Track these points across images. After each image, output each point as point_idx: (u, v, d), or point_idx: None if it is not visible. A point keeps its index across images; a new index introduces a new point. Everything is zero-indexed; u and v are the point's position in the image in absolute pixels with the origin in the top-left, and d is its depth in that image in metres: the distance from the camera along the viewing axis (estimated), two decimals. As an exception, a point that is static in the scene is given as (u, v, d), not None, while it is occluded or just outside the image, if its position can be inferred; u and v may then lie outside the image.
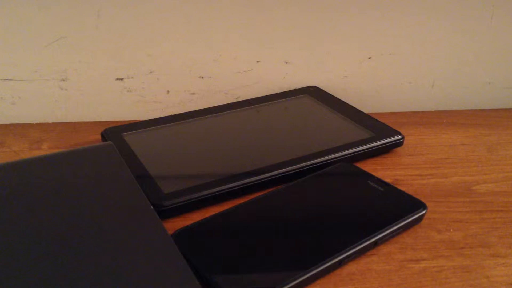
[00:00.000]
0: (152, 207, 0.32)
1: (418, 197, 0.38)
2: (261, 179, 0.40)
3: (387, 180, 0.41)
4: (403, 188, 0.39)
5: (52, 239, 0.29)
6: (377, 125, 0.48)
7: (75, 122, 0.51)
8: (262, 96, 0.53)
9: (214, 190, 0.38)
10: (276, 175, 0.40)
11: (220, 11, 0.50)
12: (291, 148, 0.44)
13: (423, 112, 0.57)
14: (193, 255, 0.31)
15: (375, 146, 0.45)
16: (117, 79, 0.51)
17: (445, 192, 0.41)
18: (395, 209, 0.36)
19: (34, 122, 0.51)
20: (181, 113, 0.49)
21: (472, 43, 0.55)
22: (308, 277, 0.30)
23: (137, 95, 0.52)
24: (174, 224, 0.36)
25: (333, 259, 0.31)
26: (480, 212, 0.39)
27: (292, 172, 0.41)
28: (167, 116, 0.48)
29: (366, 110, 0.52)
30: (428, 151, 0.48)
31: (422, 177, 0.43)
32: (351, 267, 0.33)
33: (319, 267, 0.31)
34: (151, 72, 0.51)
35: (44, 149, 0.46)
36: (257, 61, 0.53)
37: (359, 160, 0.45)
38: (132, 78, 0.51)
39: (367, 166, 0.44)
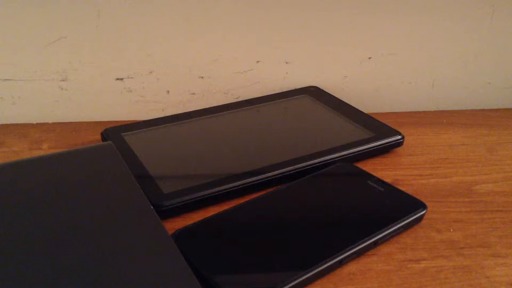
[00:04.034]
0: (152, 207, 0.32)
1: (418, 197, 0.38)
2: (261, 179, 0.40)
3: (387, 180, 0.41)
4: (403, 188, 0.39)
5: (52, 239, 0.29)
6: (377, 125, 0.48)
7: (75, 122, 0.51)
8: (262, 96, 0.53)
9: (214, 190, 0.38)
10: (276, 175, 0.40)
11: (220, 11, 0.50)
12: (291, 148, 0.44)
13: (423, 112, 0.57)
14: (193, 255, 0.31)
15: (375, 146, 0.45)
16: (117, 79, 0.51)
17: (445, 192, 0.41)
18: (395, 209, 0.36)
19: (34, 122, 0.51)
20: (181, 113, 0.49)
21: (472, 43, 0.55)
22: (308, 277, 0.30)
23: (137, 95, 0.52)
24: (174, 224, 0.36)
25: (333, 259, 0.31)
26: (480, 212, 0.39)
27: (292, 172, 0.41)
28: (167, 116, 0.48)
29: (366, 110, 0.52)
30: (428, 151, 0.48)
31: (422, 177, 0.43)
32: (351, 267, 0.33)
33: (319, 267, 0.31)
34: (151, 72, 0.51)
35: (44, 149, 0.46)
36: (257, 61, 0.53)
37: (359, 160, 0.45)
38: (132, 78, 0.51)
39: (367, 166, 0.44)
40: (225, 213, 0.36)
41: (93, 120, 0.51)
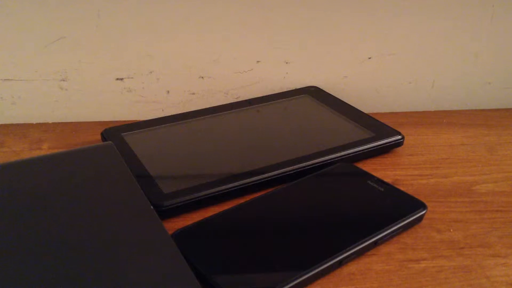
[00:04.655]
0: (152, 207, 0.32)
1: (418, 197, 0.38)
2: (261, 179, 0.40)
3: (387, 180, 0.41)
4: (403, 188, 0.39)
5: (52, 239, 0.29)
6: (377, 125, 0.48)
7: (75, 122, 0.51)
8: (262, 96, 0.53)
9: (214, 190, 0.38)
10: (276, 175, 0.40)
11: (220, 11, 0.50)
12: (291, 148, 0.43)
13: (423, 112, 0.57)
14: (193, 255, 0.31)
15: (375, 146, 0.45)
16: (117, 79, 0.51)
17: (445, 192, 0.41)
18: (395, 209, 0.36)
19: (34, 122, 0.51)
20: (181, 113, 0.49)
21: (472, 43, 0.55)
22: (308, 277, 0.30)
23: (137, 95, 0.52)
24: (174, 224, 0.36)
25: (333, 259, 0.31)
26: (480, 212, 0.39)
27: (292, 172, 0.41)
28: (167, 116, 0.48)
29: (366, 110, 0.52)
30: (428, 151, 0.48)
31: (422, 177, 0.43)
32: (351, 267, 0.33)
33: (319, 267, 0.31)
34: (151, 72, 0.51)
35: (44, 149, 0.46)
36: (257, 61, 0.53)
37: (359, 160, 0.44)
38: (132, 78, 0.51)
39: (367, 166, 0.44)
40: (225, 213, 0.36)
41: (93, 120, 0.51)
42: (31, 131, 0.49)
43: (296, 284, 0.30)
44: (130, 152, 0.42)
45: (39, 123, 0.50)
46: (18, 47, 0.48)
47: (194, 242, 0.33)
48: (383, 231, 0.34)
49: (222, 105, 0.51)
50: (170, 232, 0.31)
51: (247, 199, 0.37)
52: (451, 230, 0.37)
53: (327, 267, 0.31)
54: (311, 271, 0.31)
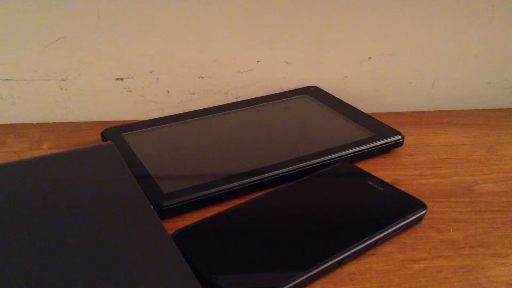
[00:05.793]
0: (152, 207, 0.32)
1: (418, 197, 0.38)
2: (261, 179, 0.40)
3: (387, 180, 0.41)
4: (403, 188, 0.39)
5: (52, 239, 0.29)
6: (377, 125, 0.48)
7: (75, 122, 0.51)
8: (262, 96, 0.53)
9: (214, 190, 0.38)
10: (276, 175, 0.40)
11: (220, 11, 0.50)
12: (291, 148, 0.44)
13: (423, 112, 0.57)
14: (193, 255, 0.31)
15: (375, 146, 0.45)
16: (117, 79, 0.51)
17: (445, 192, 0.41)
18: (395, 209, 0.36)
19: (34, 122, 0.51)
20: (181, 113, 0.49)
21: (472, 43, 0.55)
22: (308, 277, 0.30)
23: (137, 95, 0.52)
24: (174, 224, 0.36)
25: (333, 259, 0.31)
26: (480, 212, 0.39)
27: (292, 172, 0.41)
28: (167, 116, 0.48)
29: (366, 110, 0.52)
30: (428, 151, 0.48)
31: (422, 177, 0.43)
32: (351, 267, 0.33)
33: (319, 267, 0.31)
34: (151, 72, 0.51)
35: (44, 149, 0.46)
36: (257, 61, 0.53)
37: (359, 160, 0.45)
38: (132, 78, 0.51)
39: (367, 166, 0.44)
40: (225, 213, 0.36)
41: (93, 120, 0.51)
42: (31, 131, 0.49)
43: (296, 284, 0.30)
44: (130, 152, 0.42)
45: (39, 123, 0.50)
46: (18, 47, 0.48)
47: (194, 242, 0.33)
48: (383, 231, 0.34)
49: (222, 105, 0.51)
50: (170, 232, 0.31)
51: (247, 199, 0.37)
52: (451, 230, 0.37)
53: (327, 267, 0.31)
54: (311, 271, 0.31)
